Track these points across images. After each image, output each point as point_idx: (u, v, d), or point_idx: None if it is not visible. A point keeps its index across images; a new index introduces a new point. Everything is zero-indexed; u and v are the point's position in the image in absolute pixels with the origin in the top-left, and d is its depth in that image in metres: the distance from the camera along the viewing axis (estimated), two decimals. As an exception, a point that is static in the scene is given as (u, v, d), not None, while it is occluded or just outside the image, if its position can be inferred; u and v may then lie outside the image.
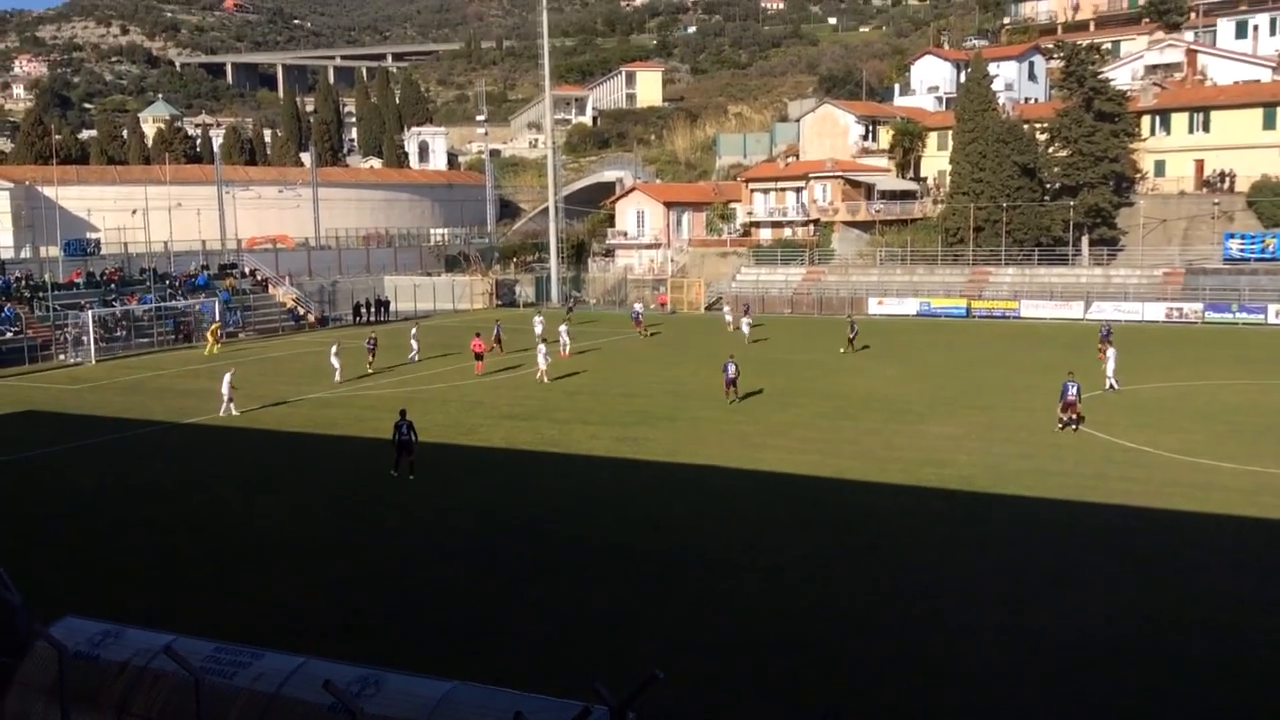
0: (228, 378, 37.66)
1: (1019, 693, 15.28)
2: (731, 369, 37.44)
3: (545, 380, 42.12)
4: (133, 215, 71.20)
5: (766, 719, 14.71)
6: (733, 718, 14.74)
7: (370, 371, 46.05)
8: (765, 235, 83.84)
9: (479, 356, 45.18)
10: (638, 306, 64.04)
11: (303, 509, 25.33)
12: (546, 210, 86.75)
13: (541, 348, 43.67)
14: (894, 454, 29.65)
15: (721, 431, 33.06)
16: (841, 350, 49.77)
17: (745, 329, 57.30)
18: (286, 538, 23.17)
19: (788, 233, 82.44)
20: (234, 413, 36.84)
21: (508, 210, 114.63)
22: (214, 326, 57.50)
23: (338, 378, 43.77)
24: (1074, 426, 31.06)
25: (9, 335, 53.87)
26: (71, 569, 21.26)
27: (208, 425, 35.66)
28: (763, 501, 25.25)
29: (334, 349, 45.40)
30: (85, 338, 54.03)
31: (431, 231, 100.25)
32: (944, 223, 75.24)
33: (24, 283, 59.63)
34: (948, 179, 77.25)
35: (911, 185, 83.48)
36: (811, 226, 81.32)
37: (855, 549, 21.56)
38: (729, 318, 60.97)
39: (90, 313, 54.80)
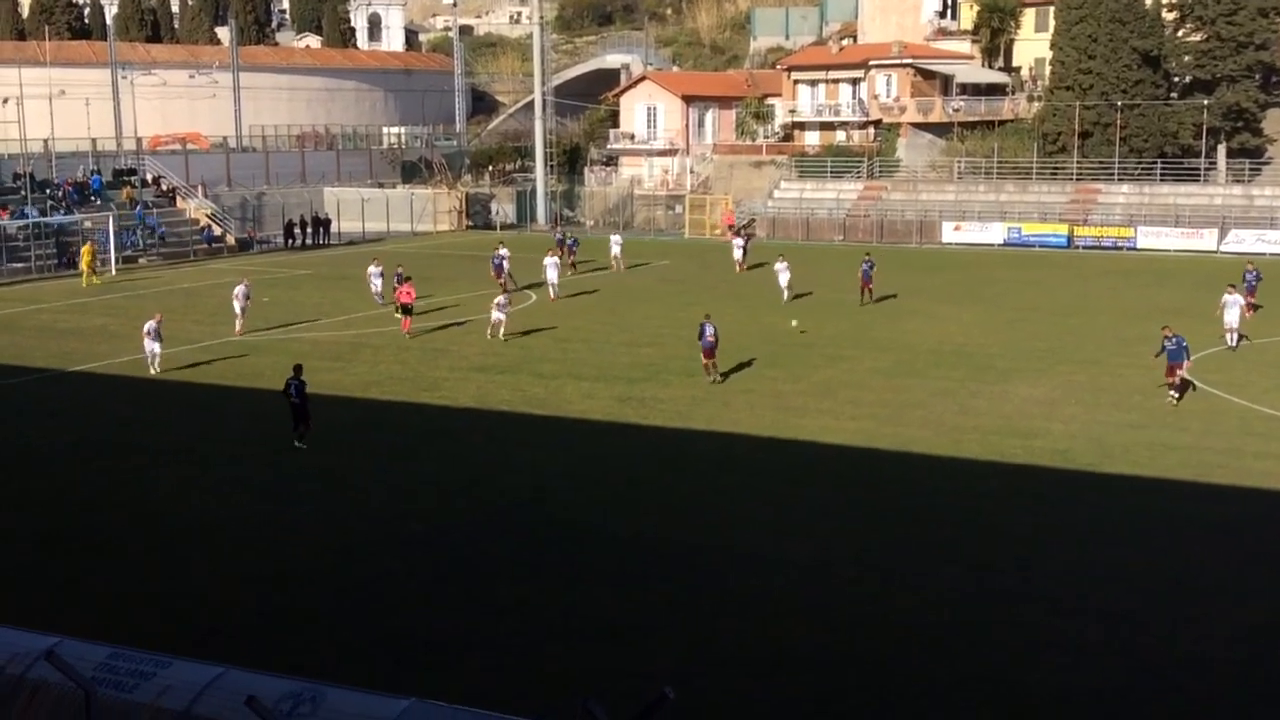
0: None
1: (1121, 724, 15.44)
2: (710, 333, 33.71)
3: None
4: (3, 105, 70.85)
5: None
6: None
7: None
8: (812, 140, 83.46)
9: (405, 310, 41.63)
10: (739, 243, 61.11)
11: (221, 482, 25.49)
12: (531, 105, 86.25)
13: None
14: (970, 421, 29.72)
15: (750, 391, 33.15)
16: (861, 302, 47.02)
17: (738, 253, 57.23)
18: (199, 519, 23.36)
19: (840, 137, 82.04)
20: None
21: (482, 104, 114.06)
22: (86, 249, 56.84)
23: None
24: (1174, 398, 30.93)
25: None
26: (-72, 553, 21.46)
27: (101, 374, 35.85)
28: (801, 480, 25.36)
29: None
30: (-56, 261, 54.19)
31: (385, 131, 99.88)
32: (1041, 126, 74.77)
33: None
34: (1047, 69, 76.58)
35: (1000, 77, 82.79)
36: (871, 129, 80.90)
37: (917, 542, 21.67)
38: (739, 254, 58.05)
39: (-51, 229, 54.89)
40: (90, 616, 17.69)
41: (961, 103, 79.57)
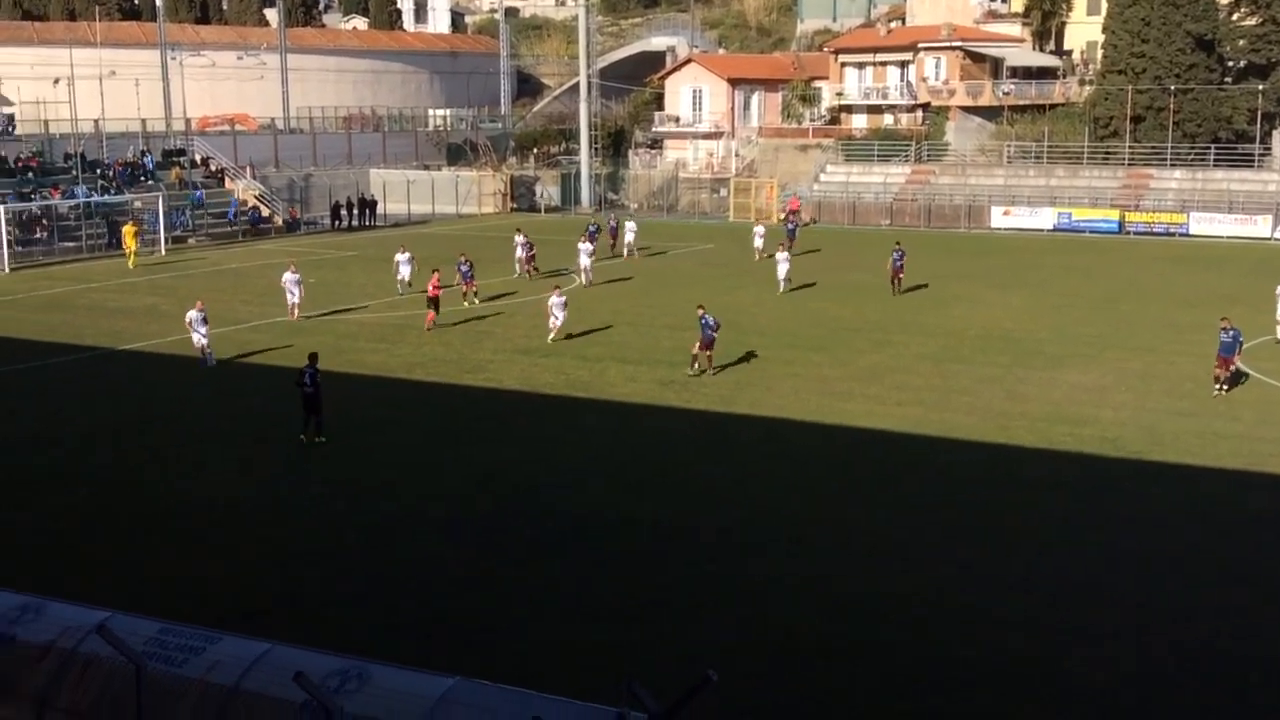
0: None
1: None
2: (712, 323, 32.57)
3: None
4: (54, 86, 71.63)
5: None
6: (802, 734, 14.92)
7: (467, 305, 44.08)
8: (859, 123, 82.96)
9: (433, 303, 39.49)
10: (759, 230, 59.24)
11: (261, 463, 25.73)
12: (576, 88, 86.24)
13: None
14: (1018, 408, 29.55)
15: (795, 375, 33.09)
16: (893, 292, 45.45)
17: (758, 241, 55.25)
18: (240, 498, 23.61)
19: (888, 120, 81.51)
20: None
21: (527, 86, 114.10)
22: (129, 228, 56.63)
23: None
24: (1221, 389, 30.53)
25: (-99, 235, 54.85)
26: (-19, 528, 21.82)
27: (150, 353, 36.24)
28: (846, 466, 25.32)
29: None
30: (-4, 240, 54.89)
31: (430, 113, 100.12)
32: (1092, 110, 73.99)
33: (-82, 169, 60.56)
34: (1099, 53, 75.74)
35: (1052, 60, 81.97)
36: (920, 112, 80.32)
37: (963, 530, 21.60)
38: (759, 242, 55.44)
39: (2, 208, 55.52)
40: (139, 592, 17.92)
41: (1012, 86, 78.85)
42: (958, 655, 16.81)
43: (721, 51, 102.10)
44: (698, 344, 32.74)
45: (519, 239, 51.35)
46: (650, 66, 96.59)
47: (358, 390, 31.63)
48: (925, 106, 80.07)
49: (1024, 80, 79.84)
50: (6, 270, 53.70)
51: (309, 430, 26.67)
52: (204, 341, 34.25)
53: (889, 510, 22.53)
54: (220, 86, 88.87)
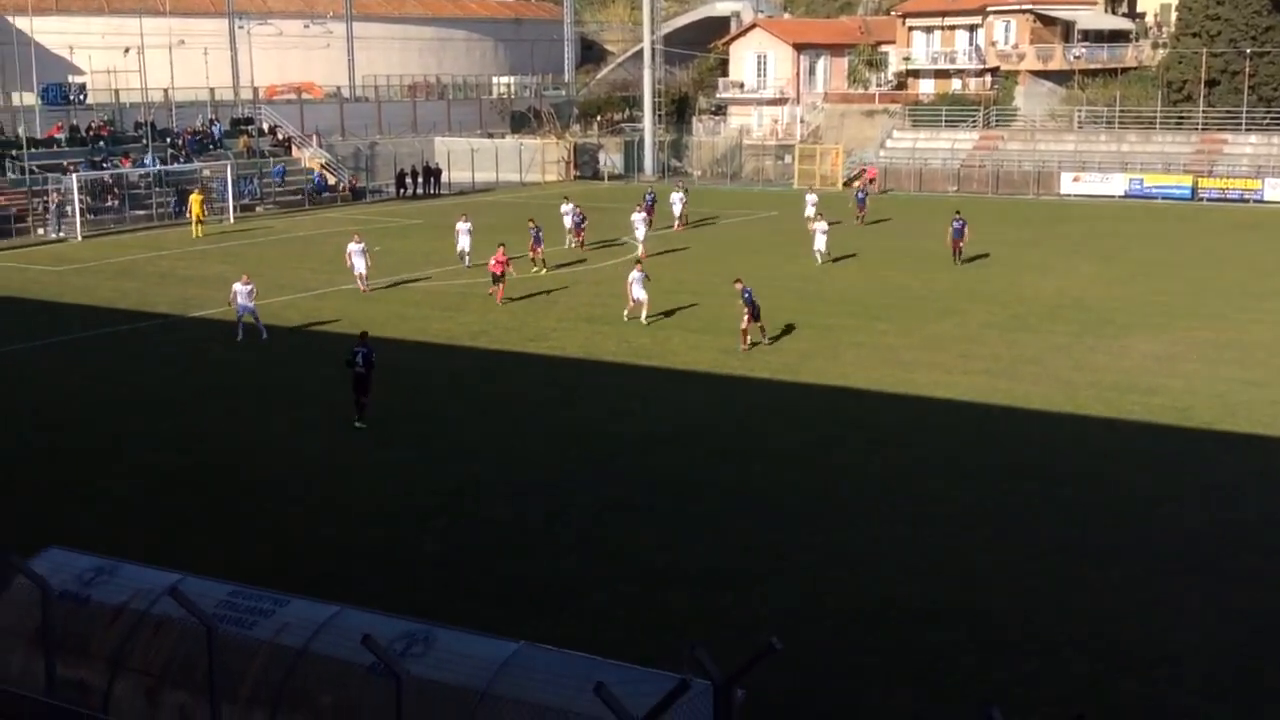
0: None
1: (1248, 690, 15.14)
2: (748, 296, 31.77)
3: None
4: (125, 55, 72.38)
5: (907, 708, 14.84)
6: (866, 703, 14.92)
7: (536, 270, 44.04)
8: (926, 88, 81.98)
9: (498, 279, 38.36)
10: (861, 191, 59.11)
11: (330, 428, 26.02)
12: (640, 54, 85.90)
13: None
14: (1087, 377, 29.21)
15: (860, 344, 32.91)
16: (954, 263, 44.53)
17: (809, 208, 52.72)
18: (313, 461, 23.91)
19: (956, 85, 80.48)
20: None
21: (591, 54, 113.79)
22: (195, 197, 56.72)
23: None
24: None
25: (-24, 203, 55.94)
26: (52, 492, 22.28)
27: (220, 320, 36.66)
28: (911, 435, 25.19)
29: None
30: (69, 208, 55.72)
31: (494, 80, 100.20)
32: (1166, 74, 72.58)
33: (-7, 138, 61.57)
34: (1173, 16, 74.27)
35: (1124, 23, 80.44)
36: (988, 77, 79.22)
37: (1029, 497, 21.43)
38: (810, 210, 52.46)
39: (75, 177, 56.38)
40: (211, 554, 18.21)
41: (1083, 50, 77.52)
42: (1046, 622, 16.71)
43: (787, 16, 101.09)
44: (745, 319, 32.06)
45: (566, 208, 50.45)
46: (715, 32, 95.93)
47: (424, 358, 31.89)
48: (994, 71, 78.95)
49: (1095, 44, 78.42)
50: (79, 238, 54.56)
51: (359, 410, 25.79)
52: (244, 312, 33.68)
53: (956, 478, 22.38)
54: (287, 55, 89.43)
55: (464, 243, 44.84)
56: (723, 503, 21.42)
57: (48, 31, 78.89)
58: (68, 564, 13.65)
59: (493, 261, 38.28)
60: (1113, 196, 66.61)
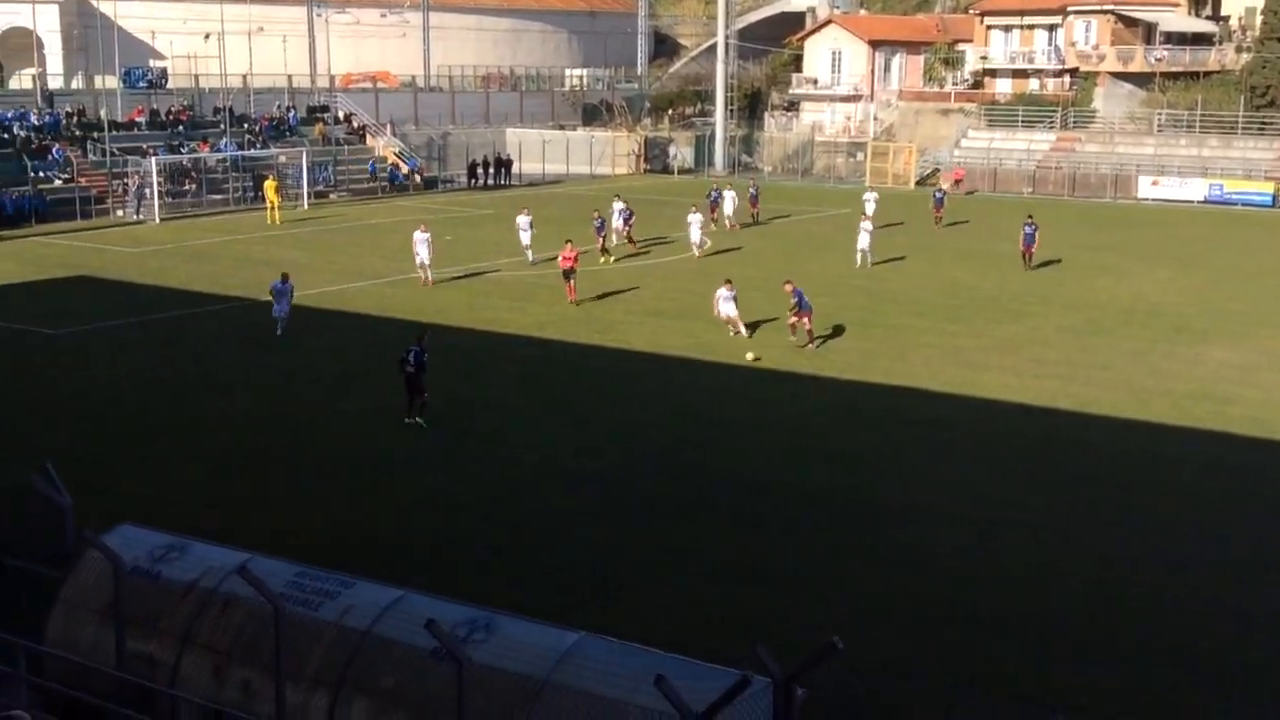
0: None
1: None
2: (799, 295, 31.39)
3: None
4: (205, 41, 73.42)
5: (971, 713, 14.72)
6: (928, 707, 14.81)
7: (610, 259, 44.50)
8: (1003, 88, 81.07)
9: (568, 275, 37.09)
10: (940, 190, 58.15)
11: (397, 414, 26.22)
12: (713, 48, 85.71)
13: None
14: (1161, 384, 28.80)
15: (928, 345, 32.65)
16: (1024, 268, 43.69)
17: (868, 206, 51.10)
18: (380, 447, 24.13)
19: (1034, 85, 79.53)
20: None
21: (664, 47, 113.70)
22: (270, 184, 57.17)
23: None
24: None
25: (58, 183, 56.89)
26: (125, 470, 22.68)
27: (291, 304, 37.06)
28: (979, 438, 24.96)
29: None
30: (148, 190, 56.62)
31: (567, 73, 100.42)
32: (1249, 78, 71.24)
33: (76, 119, 62.60)
34: (1258, 19, 72.77)
35: (1208, 26, 79.00)
36: (1067, 78, 78.21)
37: (1097, 506, 21.16)
38: (872, 208, 50.98)
39: (154, 160, 57.27)
40: (277, 535, 18.43)
41: (1165, 52, 76.27)
42: (1116, 630, 16.54)
43: (863, 12, 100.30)
44: (803, 318, 31.72)
45: (618, 205, 48.81)
46: (789, 27, 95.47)
47: (491, 347, 32.09)
48: (1073, 72, 77.92)
49: (1178, 46, 77.09)
50: (157, 220, 55.40)
51: (412, 410, 25.33)
52: (281, 313, 32.70)
53: (1025, 483, 22.15)
54: (364, 44, 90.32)
55: (525, 237, 43.91)
56: (787, 501, 21.35)
57: (131, 16, 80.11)
58: (139, 540, 13.92)
59: (561, 258, 37.41)
60: (1191, 202, 65.53)
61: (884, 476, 22.64)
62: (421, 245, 40.22)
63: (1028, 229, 44.15)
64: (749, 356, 30.28)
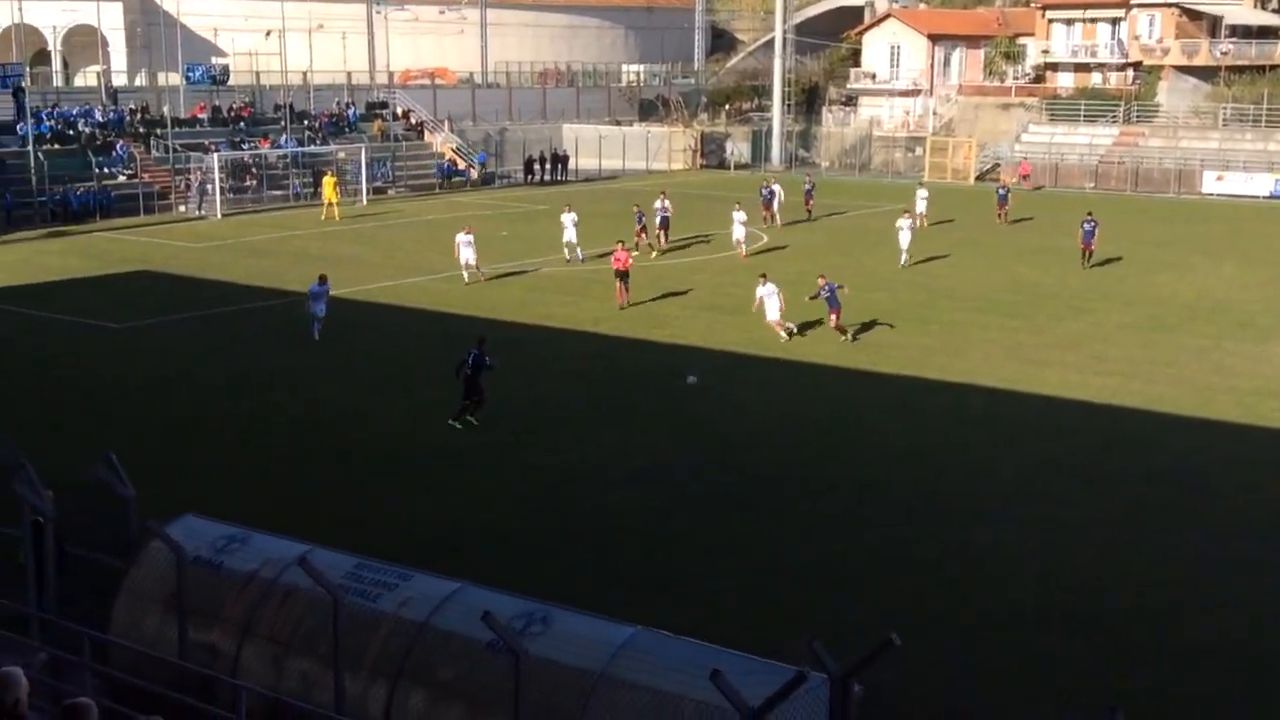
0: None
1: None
2: (832, 289, 31.65)
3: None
4: (266, 38, 74.14)
5: (1028, 712, 14.61)
6: (985, 706, 14.71)
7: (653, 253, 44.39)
8: (1065, 82, 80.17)
9: (622, 276, 36.12)
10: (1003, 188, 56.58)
11: (456, 407, 26.39)
12: (771, 43, 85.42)
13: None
14: (1225, 381, 28.43)
15: (989, 341, 32.40)
16: (1083, 265, 42.84)
17: (920, 204, 51.05)
18: (439, 441, 24.30)
19: (1096, 79, 78.58)
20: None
21: (721, 42, 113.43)
22: (328, 180, 57.37)
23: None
24: None
25: (122, 179, 57.73)
26: (188, 461, 22.99)
27: (349, 299, 37.41)
28: (1039, 435, 24.74)
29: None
30: (210, 186, 57.32)
31: (624, 68, 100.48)
32: (1319, 71, 70.02)
33: (139, 116, 63.48)
34: (1329, 10, 71.53)
35: (1274, 19, 77.77)
36: (1130, 72, 77.21)
37: (1158, 504, 20.92)
38: (922, 206, 50.83)
39: (216, 156, 57.97)
40: (337, 527, 18.60)
41: (1230, 45, 75.11)
42: (1178, 631, 16.41)
43: (922, 6, 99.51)
44: (832, 314, 31.90)
45: (663, 202, 47.26)
46: (847, 21, 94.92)
47: (546, 343, 32.20)
48: (1136, 65, 76.93)
49: (1243, 39, 75.93)
50: (218, 216, 56.07)
51: (461, 412, 24.90)
52: (318, 313, 32.06)
53: (1085, 482, 21.93)
54: (422, 40, 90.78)
55: (570, 234, 43.43)
56: (844, 498, 21.28)
57: (193, 14, 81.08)
58: (202, 531, 14.10)
59: (613, 258, 36.54)
60: (1257, 197, 64.47)
61: (941, 474, 22.49)
62: (466, 247, 39.82)
63: (1087, 226, 43.49)
64: (690, 379, 27.70)
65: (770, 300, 32.46)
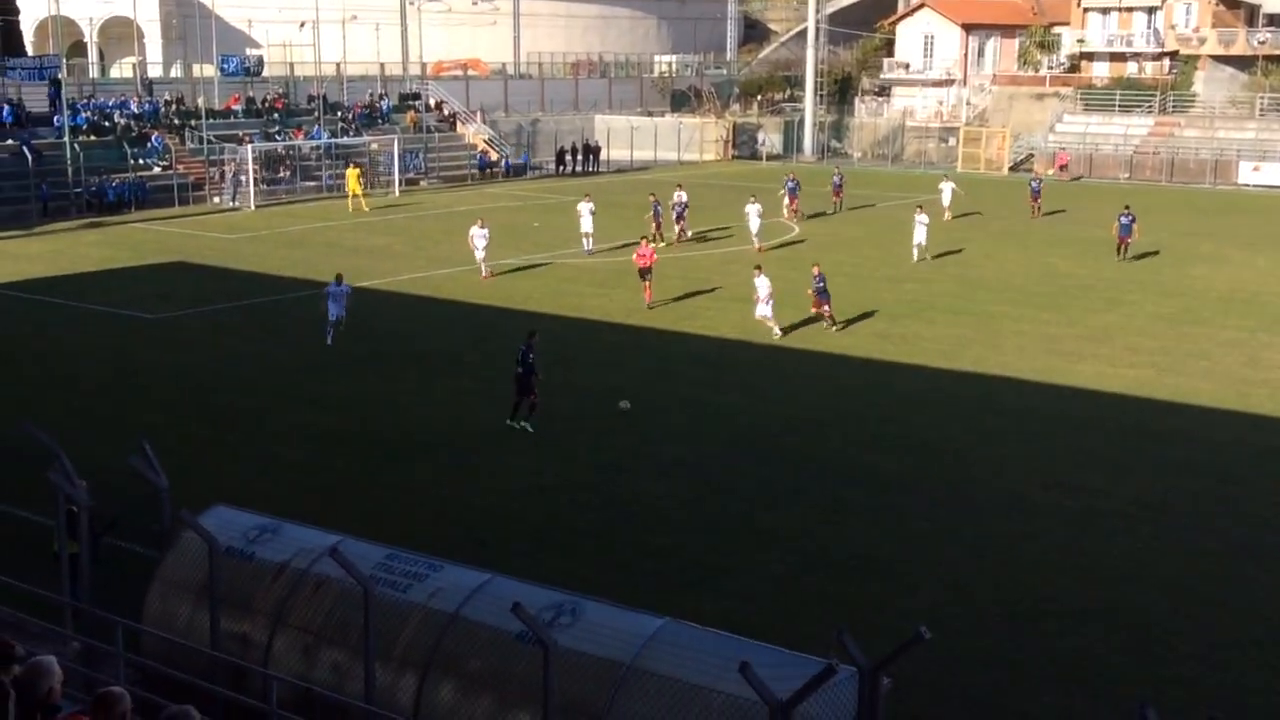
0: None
1: None
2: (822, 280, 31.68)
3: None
4: (300, 29, 74.42)
5: (1057, 706, 14.52)
6: (1014, 699, 14.63)
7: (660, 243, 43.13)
8: (1100, 71, 79.55)
9: (644, 273, 35.11)
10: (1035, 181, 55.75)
11: (489, 398, 26.46)
12: (804, 33, 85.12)
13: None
14: (1260, 374, 28.15)
15: (1021, 333, 32.21)
16: (1119, 259, 42.13)
17: (946, 196, 50.49)
18: (471, 430, 24.36)
19: (1132, 69, 77.93)
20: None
21: (754, 33, 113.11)
22: (352, 172, 57.36)
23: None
24: None
25: (157, 170, 58.11)
26: (221, 451, 23.13)
27: (382, 290, 37.57)
28: (1073, 427, 24.56)
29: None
30: (244, 178, 57.62)
31: (656, 59, 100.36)
32: (1359, 60, 69.19)
33: (174, 107, 63.86)
34: (1370, -2, 70.65)
35: (1315, 6, 76.85)
36: (1166, 61, 76.52)
37: (1195, 496, 20.75)
38: (947, 198, 50.38)
39: (250, 147, 58.26)
40: (368, 517, 18.68)
41: (1268, 34, 74.24)
42: (1209, 624, 16.27)
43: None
44: (822, 305, 31.86)
45: (680, 195, 47.02)
46: (881, 11, 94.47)
47: (579, 333, 32.20)
48: (1173, 55, 76.22)
49: (1282, 27, 75.14)
50: (252, 207, 56.35)
51: (517, 412, 24.30)
52: (335, 316, 30.69)
53: (1119, 474, 21.75)
54: (455, 32, 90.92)
55: (586, 224, 43.11)
56: (873, 490, 21.20)
57: (228, 5, 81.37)
58: (234, 521, 14.17)
59: (636, 255, 35.70)
60: (1294, 187, 63.92)
61: (974, 465, 22.38)
62: (480, 239, 39.35)
63: (1124, 219, 42.65)
64: (622, 404, 25.57)
65: (763, 300, 31.71)
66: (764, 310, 31.74)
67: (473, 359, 29.82)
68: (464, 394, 26.90)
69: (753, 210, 44.06)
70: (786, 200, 52.06)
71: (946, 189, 51.93)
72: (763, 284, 31.58)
